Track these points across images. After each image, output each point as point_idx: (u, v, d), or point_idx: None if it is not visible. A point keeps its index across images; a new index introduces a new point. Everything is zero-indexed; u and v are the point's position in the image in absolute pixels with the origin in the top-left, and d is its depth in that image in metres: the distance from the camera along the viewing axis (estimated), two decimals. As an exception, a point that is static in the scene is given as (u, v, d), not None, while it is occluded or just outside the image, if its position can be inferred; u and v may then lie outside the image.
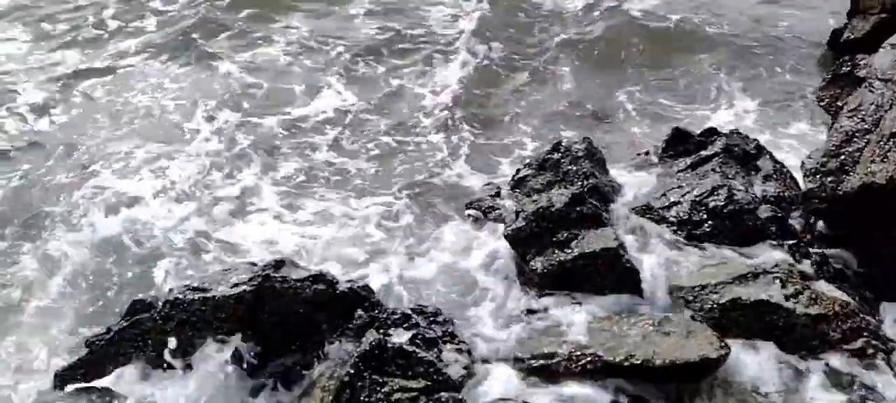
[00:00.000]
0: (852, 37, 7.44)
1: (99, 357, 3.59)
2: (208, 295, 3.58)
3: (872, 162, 4.13)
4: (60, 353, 3.78)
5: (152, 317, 3.58)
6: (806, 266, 4.26)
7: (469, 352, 3.66)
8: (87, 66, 7.19)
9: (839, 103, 5.39)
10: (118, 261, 4.48)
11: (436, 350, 3.50)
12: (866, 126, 4.37)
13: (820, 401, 3.63)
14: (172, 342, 3.50)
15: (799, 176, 4.85)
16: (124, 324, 3.59)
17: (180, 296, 3.58)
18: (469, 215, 4.87)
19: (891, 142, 4.09)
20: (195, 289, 3.61)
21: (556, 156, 4.90)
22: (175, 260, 4.52)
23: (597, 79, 6.95)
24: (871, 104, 4.42)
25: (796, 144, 5.93)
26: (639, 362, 3.51)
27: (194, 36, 7.63)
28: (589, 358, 3.57)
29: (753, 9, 8.40)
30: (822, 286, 4.16)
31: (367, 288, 3.89)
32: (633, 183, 5.03)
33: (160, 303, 3.61)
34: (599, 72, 7.06)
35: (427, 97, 6.67)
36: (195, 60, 7.25)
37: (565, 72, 7.05)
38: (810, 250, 4.38)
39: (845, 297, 4.08)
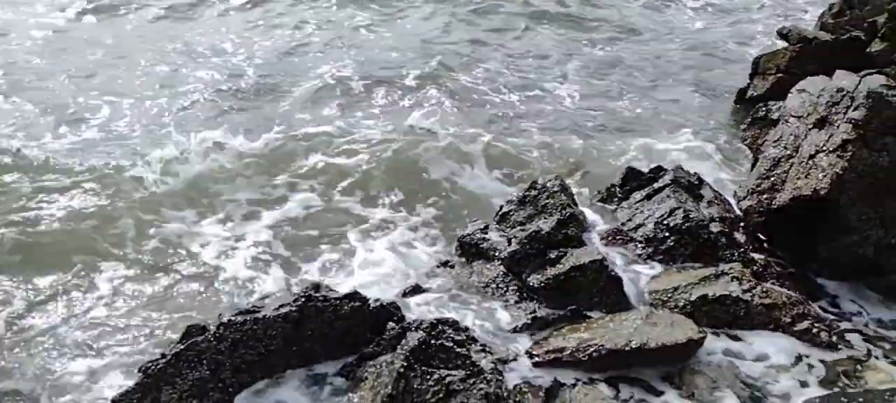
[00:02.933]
0: (755, 93, 8.75)
1: (155, 382, 3.84)
2: (258, 316, 3.96)
3: (798, 178, 5.06)
4: (113, 380, 3.99)
5: (207, 339, 3.90)
6: (753, 270, 5.09)
7: (490, 352, 4.17)
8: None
9: (759, 141, 6.40)
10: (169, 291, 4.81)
11: (465, 348, 4.00)
12: (789, 152, 5.33)
13: (779, 371, 4.35)
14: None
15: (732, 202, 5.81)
16: (181, 347, 3.88)
17: (232, 318, 3.93)
18: (462, 245, 5.42)
19: (811, 162, 5.03)
20: (246, 312, 3.98)
21: (533, 193, 5.59)
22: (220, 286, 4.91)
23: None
24: (791, 135, 5.40)
25: (723, 178, 6.93)
26: (637, 346, 4.13)
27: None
28: (595, 348, 4.16)
29: (673, 72, 9.73)
30: (769, 285, 4.98)
31: (394, 304, 4.36)
32: (601, 213, 5.80)
33: (213, 327, 3.94)
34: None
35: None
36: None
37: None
38: (755, 257, 5.22)
39: (788, 291, 4.91)
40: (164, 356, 3.91)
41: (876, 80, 5.18)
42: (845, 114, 5.03)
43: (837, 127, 5.00)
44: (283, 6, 11.46)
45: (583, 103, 8.70)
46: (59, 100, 8.06)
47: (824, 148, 4.96)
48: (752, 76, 9.08)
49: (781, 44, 9.33)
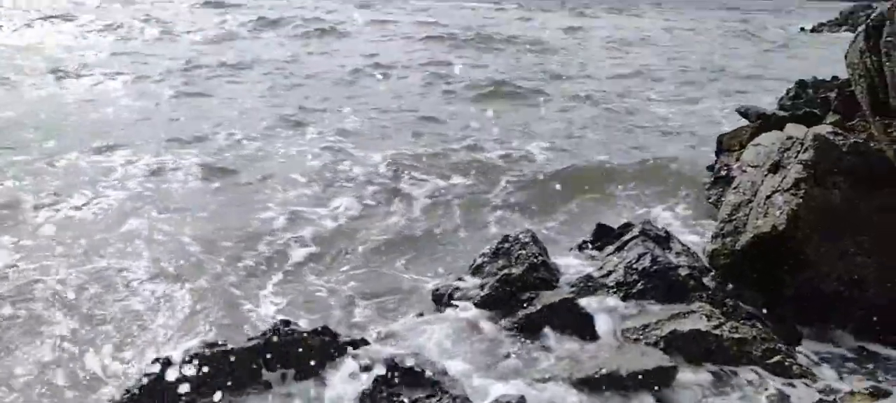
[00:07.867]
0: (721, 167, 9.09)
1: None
2: (227, 348, 3.95)
3: (757, 219, 5.23)
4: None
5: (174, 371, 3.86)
6: (722, 310, 5.16)
7: (459, 384, 4.14)
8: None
9: (722, 198, 6.63)
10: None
11: (434, 375, 3.98)
12: (748, 197, 5.54)
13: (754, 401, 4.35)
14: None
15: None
16: (145, 381, 3.84)
17: (200, 351, 3.92)
18: (436, 297, 5.47)
19: (767, 203, 5.23)
20: (213, 345, 3.97)
21: (506, 245, 5.71)
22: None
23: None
24: (748, 182, 5.63)
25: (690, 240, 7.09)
26: (606, 373, 4.14)
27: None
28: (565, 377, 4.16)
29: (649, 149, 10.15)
30: (737, 323, 5.03)
31: (364, 340, 4.36)
32: (571, 265, 5.89)
33: (181, 358, 3.91)
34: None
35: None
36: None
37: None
38: (724, 298, 5.30)
39: (758, 328, 4.96)
40: (128, 391, 3.86)
41: (823, 128, 5.49)
42: (797, 157, 5.28)
43: (790, 169, 5.24)
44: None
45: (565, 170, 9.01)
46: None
47: (779, 188, 5.17)
48: (717, 153, 9.47)
49: (743, 122, 9.80)
